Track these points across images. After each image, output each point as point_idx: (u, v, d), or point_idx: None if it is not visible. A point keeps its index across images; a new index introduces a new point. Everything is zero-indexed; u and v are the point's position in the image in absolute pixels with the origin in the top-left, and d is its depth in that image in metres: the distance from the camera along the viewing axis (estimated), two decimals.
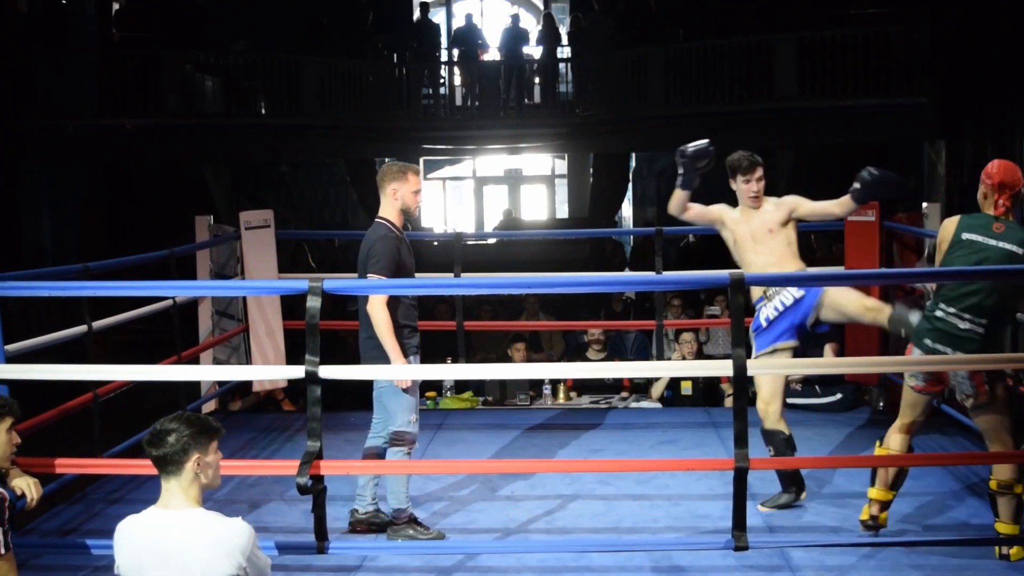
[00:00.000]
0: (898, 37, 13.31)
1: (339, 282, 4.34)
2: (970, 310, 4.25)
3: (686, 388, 7.43)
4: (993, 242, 4.27)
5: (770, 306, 5.07)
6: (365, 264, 4.67)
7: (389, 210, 4.79)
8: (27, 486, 3.64)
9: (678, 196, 5.10)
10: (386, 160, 19.28)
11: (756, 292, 5.11)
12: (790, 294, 5.05)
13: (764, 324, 5.09)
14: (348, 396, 7.72)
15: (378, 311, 4.54)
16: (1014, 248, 4.23)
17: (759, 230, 5.08)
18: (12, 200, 13.75)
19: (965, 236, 4.32)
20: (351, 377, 4.46)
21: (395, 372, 4.55)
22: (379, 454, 4.88)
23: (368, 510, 4.86)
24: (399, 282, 4.66)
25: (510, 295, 9.96)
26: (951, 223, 4.43)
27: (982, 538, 4.48)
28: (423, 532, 4.72)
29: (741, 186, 5.11)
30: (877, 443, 4.68)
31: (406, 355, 4.64)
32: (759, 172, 5.10)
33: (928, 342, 4.37)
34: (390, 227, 4.75)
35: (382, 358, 4.61)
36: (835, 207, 5.21)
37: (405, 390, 4.66)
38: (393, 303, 4.63)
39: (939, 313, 4.32)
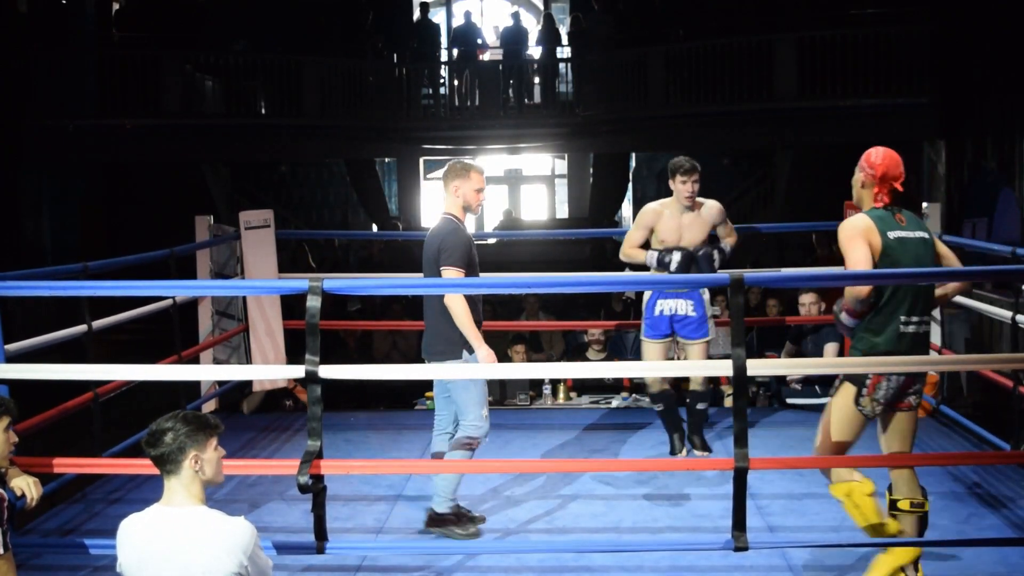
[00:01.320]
0: (898, 37, 13.32)
1: (339, 282, 4.33)
2: (926, 311, 4.10)
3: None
4: (910, 234, 4.02)
5: (671, 304, 5.71)
6: (436, 258, 4.66)
7: (452, 206, 4.80)
8: (27, 486, 3.63)
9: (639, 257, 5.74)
10: (386, 160, 19.34)
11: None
12: (688, 308, 5.70)
13: (655, 314, 5.77)
14: (348, 396, 7.72)
15: (457, 302, 4.56)
16: (926, 234, 4.08)
17: (688, 226, 5.69)
18: (12, 200, 13.76)
19: (892, 235, 4.00)
20: (351, 377, 4.45)
21: (396, 372, 4.55)
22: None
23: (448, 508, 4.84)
24: (399, 281, 4.66)
25: (510, 295, 9.95)
26: (866, 223, 4.01)
27: (982, 538, 4.47)
28: (460, 532, 4.73)
29: (679, 186, 5.67)
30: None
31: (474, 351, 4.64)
32: (696, 176, 5.70)
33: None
34: (457, 221, 4.77)
35: (450, 354, 4.64)
36: (730, 237, 5.92)
37: (477, 381, 4.68)
38: (469, 297, 4.66)
39: (910, 328, 4.06)
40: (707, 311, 5.74)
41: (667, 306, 5.73)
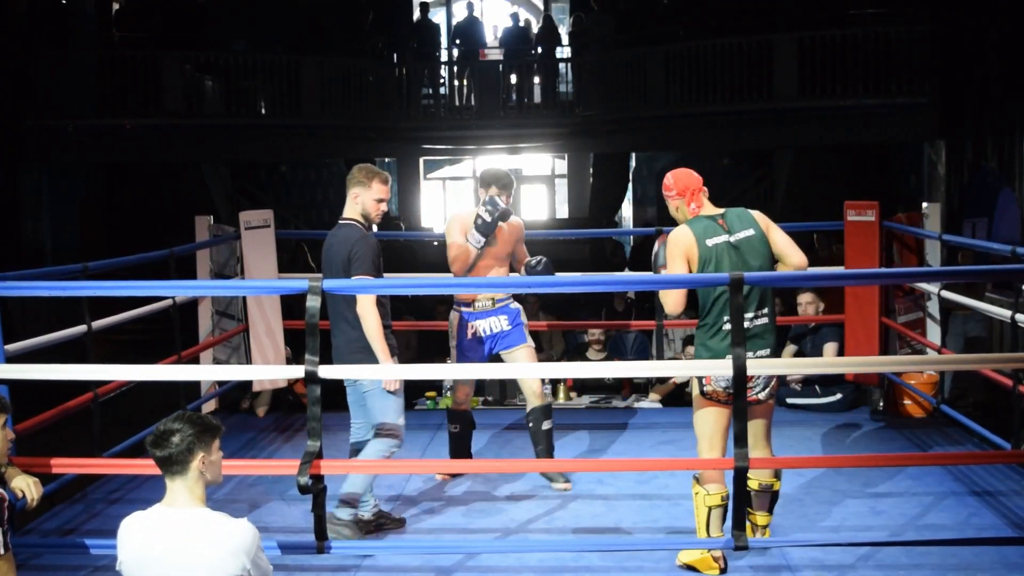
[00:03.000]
0: (898, 37, 13.32)
1: (339, 282, 4.34)
2: (762, 305, 4.18)
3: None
4: (730, 238, 4.16)
5: (481, 324, 5.41)
6: (345, 266, 4.54)
7: (353, 211, 4.70)
8: (27, 486, 3.63)
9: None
10: (386, 160, 19.33)
11: (484, 297, 5.40)
12: (503, 323, 5.44)
13: (468, 336, 5.42)
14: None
15: (370, 312, 4.46)
16: (746, 232, 4.18)
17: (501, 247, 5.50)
18: (12, 200, 13.76)
19: (710, 243, 4.14)
20: (351, 377, 4.46)
21: (396, 372, 4.55)
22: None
23: (372, 512, 4.81)
24: (394, 281, 4.67)
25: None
26: (686, 235, 4.16)
27: (982, 538, 4.47)
28: (355, 532, 4.63)
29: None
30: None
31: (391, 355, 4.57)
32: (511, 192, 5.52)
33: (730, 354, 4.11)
34: (363, 227, 4.67)
35: (368, 360, 4.53)
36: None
37: (393, 392, 4.58)
38: (378, 305, 4.54)
39: (747, 325, 4.10)
40: (523, 319, 5.48)
41: (481, 326, 5.41)
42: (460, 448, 5.68)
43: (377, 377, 4.60)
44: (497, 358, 5.49)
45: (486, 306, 5.42)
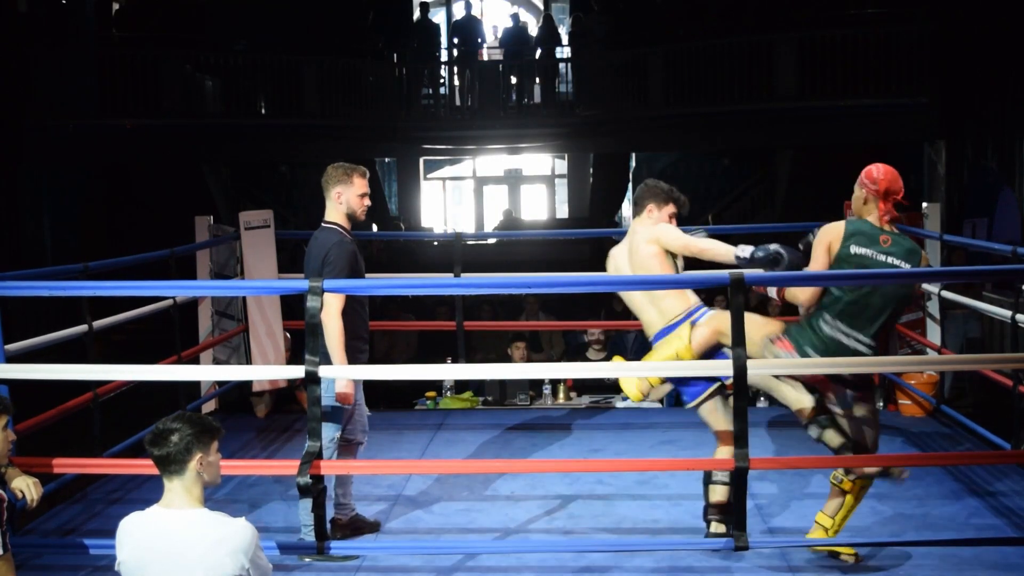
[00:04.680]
0: (898, 37, 13.32)
1: (339, 282, 4.34)
2: (858, 329, 4.07)
3: None
4: (882, 258, 4.04)
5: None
6: (319, 271, 4.42)
7: (335, 214, 4.60)
8: (27, 486, 3.63)
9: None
10: (386, 160, 19.33)
11: (677, 309, 4.54)
12: None
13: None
14: None
15: (334, 320, 4.27)
16: (901, 263, 4.03)
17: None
18: (12, 200, 13.75)
19: (854, 250, 4.03)
20: (351, 377, 4.46)
21: (396, 372, 4.55)
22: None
23: (348, 514, 4.74)
24: (394, 281, 4.65)
25: (510, 295, 9.96)
26: (836, 230, 4.07)
27: (982, 538, 4.47)
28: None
29: (667, 216, 4.72)
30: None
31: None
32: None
33: (809, 351, 4.16)
34: (342, 232, 4.57)
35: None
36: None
37: (334, 409, 4.39)
38: (348, 313, 4.36)
39: (825, 328, 4.11)
40: None
41: None
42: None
43: (377, 378, 4.59)
44: None
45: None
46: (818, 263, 4.08)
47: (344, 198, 4.59)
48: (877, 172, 4.15)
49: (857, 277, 4.00)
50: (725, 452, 4.34)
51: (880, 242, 4.04)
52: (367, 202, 4.63)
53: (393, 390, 8.10)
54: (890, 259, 4.03)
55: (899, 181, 4.14)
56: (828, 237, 4.07)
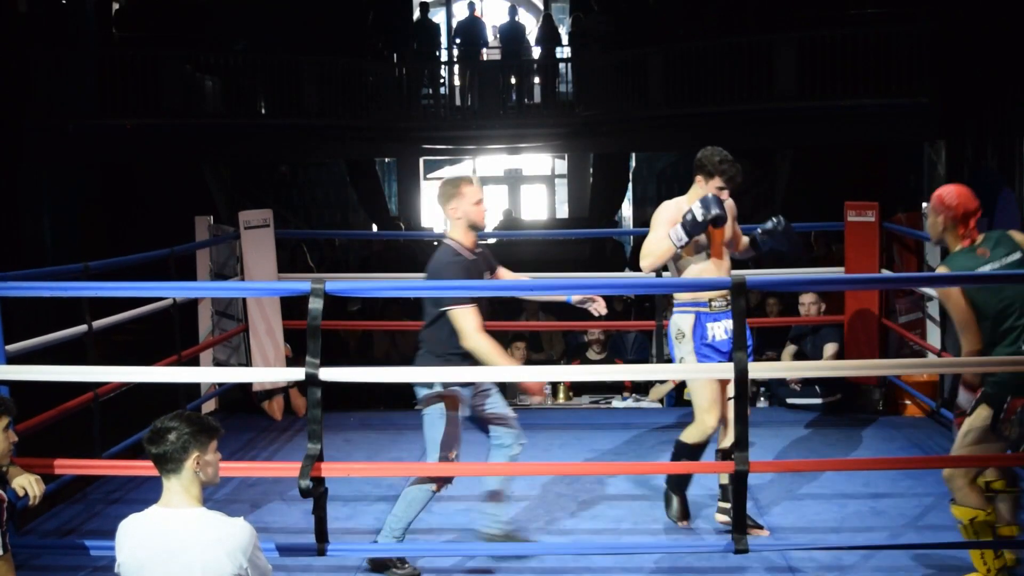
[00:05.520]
0: (898, 37, 13.31)
1: (341, 283, 4.33)
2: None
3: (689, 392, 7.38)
4: (998, 263, 3.91)
5: (719, 327, 4.70)
6: (434, 299, 4.35)
7: (455, 229, 4.45)
8: (28, 484, 3.63)
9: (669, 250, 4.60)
10: (386, 160, 19.33)
11: (686, 295, 4.70)
12: (723, 329, 4.70)
13: (708, 340, 4.71)
14: (348, 396, 7.71)
15: (478, 339, 4.26)
16: (1014, 257, 3.94)
17: (717, 237, 4.73)
18: (12, 200, 13.75)
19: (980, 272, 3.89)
20: (352, 379, 4.45)
21: (396, 374, 4.54)
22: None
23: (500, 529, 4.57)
24: (401, 283, 4.64)
25: (510, 295, 9.93)
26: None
27: (982, 540, 4.47)
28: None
29: (713, 190, 4.63)
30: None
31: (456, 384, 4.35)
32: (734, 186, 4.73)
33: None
34: (457, 249, 4.41)
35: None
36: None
37: (449, 420, 4.39)
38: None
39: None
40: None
41: (719, 328, 4.71)
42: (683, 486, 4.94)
43: (378, 379, 4.57)
44: None
45: (722, 306, 4.67)
46: (964, 311, 3.90)
47: (461, 211, 4.41)
48: (950, 197, 3.96)
49: (853, 282, 3.99)
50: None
51: (980, 257, 3.92)
52: (484, 207, 4.46)
53: (393, 390, 8.09)
54: (1000, 262, 3.90)
55: (974, 200, 3.97)
56: (951, 288, 3.91)
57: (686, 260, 4.69)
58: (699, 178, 4.68)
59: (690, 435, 4.74)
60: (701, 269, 4.69)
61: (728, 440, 4.61)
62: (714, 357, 4.68)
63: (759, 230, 4.84)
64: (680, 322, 4.74)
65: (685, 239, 4.52)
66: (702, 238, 4.62)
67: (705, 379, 4.66)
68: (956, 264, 3.93)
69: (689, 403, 7.35)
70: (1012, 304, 3.88)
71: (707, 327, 4.70)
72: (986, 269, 3.89)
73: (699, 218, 4.47)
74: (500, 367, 4.33)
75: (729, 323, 4.54)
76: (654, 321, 6.98)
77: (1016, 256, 3.94)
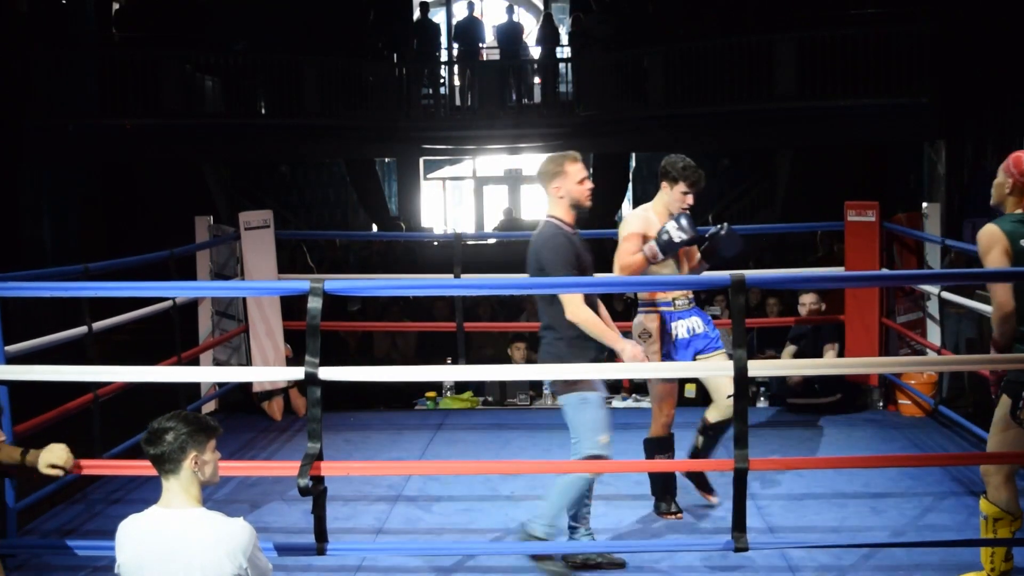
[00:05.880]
0: (898, 37, 13.31)
1: (340, 282, 4.32)
2: None
3: (689, 391, 7.37)
4: None
5: (683, 325, 4.90)
6: (538, 271, 4.29)
7: (556, 208, 4.36)
8: (57, 459, 3.63)
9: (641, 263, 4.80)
10: (386, 160, 19.32)
11: (656, 293, 4.89)
12: (702, 324, 4.91)
13: (675, 336, 4.90)
14: (348, 396, 7.71)
15: (582, 312, 4.19)
16: None
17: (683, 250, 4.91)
18: (12, 200, 13.76)
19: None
20: (351, 378, 4.45)
21: (396, 373, 4.54)
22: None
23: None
24: (400, 282, 4.64)
25: (510, 295, 9.95)
26: (997, 233, 3.83)
27: (982, 538, 4.47)
28: (553, 568, 4.30)
29: (678, 195, 4.83)
30: None
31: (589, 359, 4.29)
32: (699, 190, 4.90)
33: None
34: (560, 226, 4.34)
35: (567, 359, 4.28)
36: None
37: (591, 404, 4.32)
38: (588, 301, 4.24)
39: None
40: (712, 325, 5.06)
41: (682, 327, 4.92)
42: (668, 482, 5.03)
43: (378, 378, 4.57)
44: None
45: (685, 305, 4.91)
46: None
47: (564, 190, 4.34)
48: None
49: (852, 280, 3.98)
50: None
51: None
52: (588, 185, 4.37)
53: (393, 390, 8.10)
54: None
55: None
56: (995, 241, 3.82)
57: (655, 268, 4.86)
58: (664, 184, 4.91)
59: (652, 430, 5.02)
60: (669, 273, 4.89)
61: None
62: (676, 354, 4.88)
63: (706, 234, 4.92)
64: (646, 322, 4.94)
65: (661, 257, 4.73)
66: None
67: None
68: (1006, 225, 3.85)
69: (689, 401, 7.35)
70: None
71: (672, 326, 4.91)
72: None
73: (675, 239, 4.68)
74: (611, 339, 4.30)
75: (691, 321, 4.90)
76: None
77: None
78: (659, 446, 5.00)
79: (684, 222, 4.69)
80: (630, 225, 4.90)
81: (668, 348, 4.90)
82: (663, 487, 4.99)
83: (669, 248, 4.70)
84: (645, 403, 7.60)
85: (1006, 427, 3.90)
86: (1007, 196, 3.94)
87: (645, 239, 4.81)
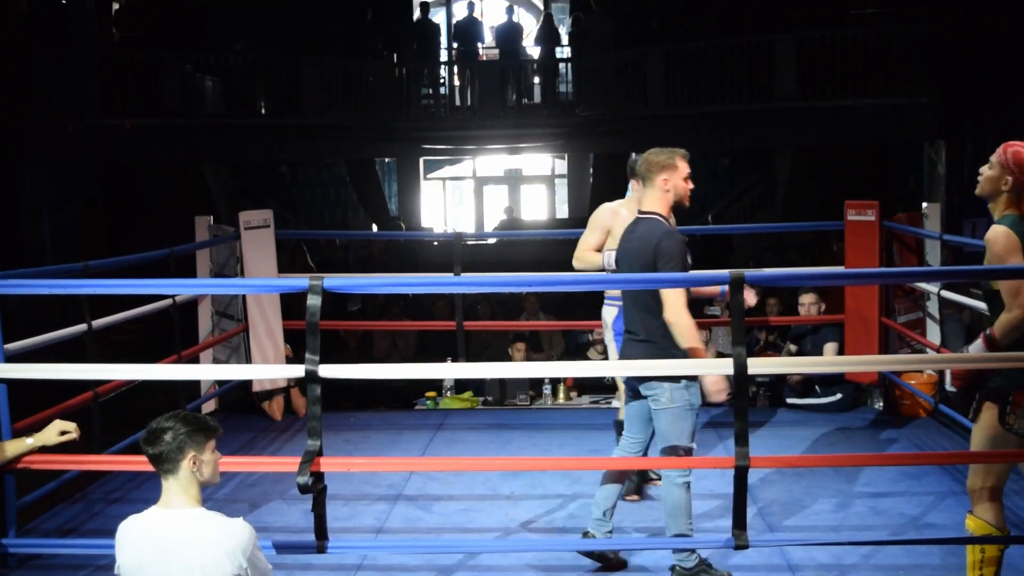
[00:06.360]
0: (898, 37, 13.33)
1: (339, 280, 4.32)
2: None
3: None
4: None
5: None
6: (652, 264, 4.11)
7: (660, 203, 4.21)
8: (59, 434, 3.70)
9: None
10: (386, 160, 19.32)
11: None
12: None
13: None
14: (348, 396, 7.72)
15: (683, 317, 4.02)
16: None
17: None
18: (12, 200, 13.76)
19: None
20: (351, 377, 4.45)
21: (396, 372, 4.54)
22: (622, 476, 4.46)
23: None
24: (399, 280, 4.63)
25: (510, 295, 9.95)
26: (1012, 238, 3.64)
27: (981, 537, 4.47)
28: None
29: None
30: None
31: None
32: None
33: None
34: (666, 222, 4.22)
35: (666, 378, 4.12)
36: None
37: (695, 410, 4.16)
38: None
39: None
40: None
41: None
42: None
43: (378, 377, 4.56)
44: None
45: None
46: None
47: (671, 184, 4.20)
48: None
49: (850, 277, 3.97)
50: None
51: None
52: (690, 185, 4.26)
53: (393, 390, 8.10)
54: None
55: None
56: (1012, 244, 3.63)
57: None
58: (633, 182, 5.16)
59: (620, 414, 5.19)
60: None
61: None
62: None
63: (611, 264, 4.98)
64: (605, 314, 5.30)
65: (612, 268, 4.87)
66: None
67: (613, 353, 5.14)
68: (1014, 226, 3.65)
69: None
70: None
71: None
72: None
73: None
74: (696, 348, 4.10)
75: None
76: None
77: None
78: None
79: None
80: (597, 218, 5.24)
81: (619, 339, 5.02)
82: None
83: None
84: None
85: (994, 434, 3.84)
86: (1002, 192, 3.72)
87: (609, 233, 5.12)
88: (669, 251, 4.07)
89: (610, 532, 4.41)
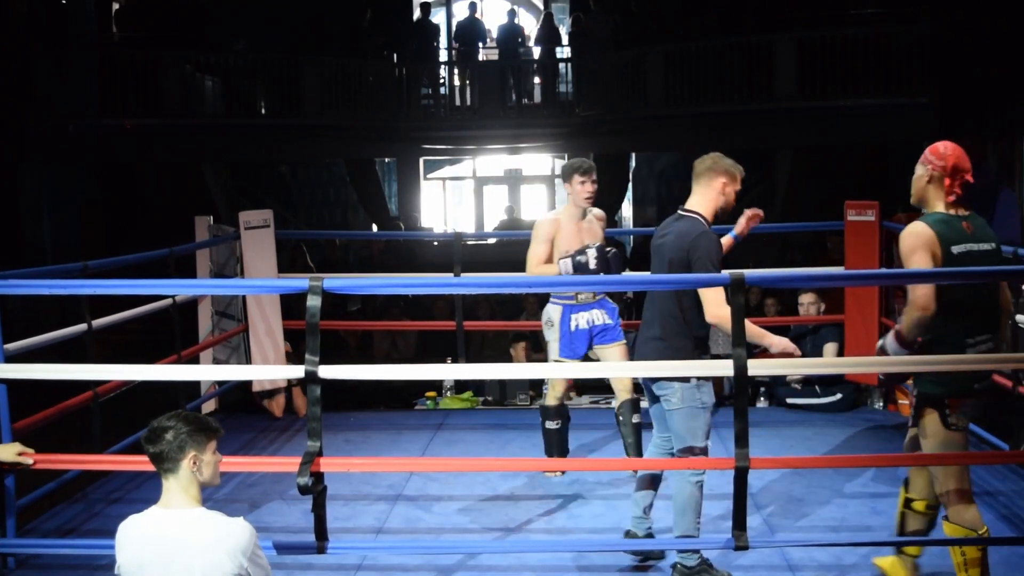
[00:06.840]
0: (898, 37, 13.32)
1: (339, 281, 4.32)
2: (989, 327, 3.86)
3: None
4: (977, 246, 3.73)
5: (583, 317, 5.43)
6: (685, 261, 4.09)
7: (708, 206, 4.22)
8: (15, 453, 3.69)
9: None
10: (386, 160, 19.31)
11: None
12: (604, 317, 5.45)
13: (571, 329, 5.43)
14: (348, 396, 7.72)
15: (724, 310, 3.99)
16: (992, 246, 3.80)
17: (587, 230, 5.43)
18: (12, 200, 13.75)
19: (956, 250, 3.70)
20: (351, 377, 4.45)
21: (396, 372, 4.54)
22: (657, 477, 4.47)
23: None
24: (399, 281, 4.64)
25: (510, 295, 9.94)
26: (928, 234, 3.71)
27: (981, 538, 4.46)
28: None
29: (577, 187, 5.38)
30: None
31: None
32: (594, 176, 5.41)
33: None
34: (705, 222, 4.19)
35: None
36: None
37: (708, 408, 4.18)
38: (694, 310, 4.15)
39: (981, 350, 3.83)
40: (618, 319, 5.49)
41: (583, 319, 5.41)
42: (560, 443, 5.66)
43: (378, 377, 4.57)
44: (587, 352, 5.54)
45: (588, 299, 5.42)
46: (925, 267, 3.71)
47: (728, 190, 4.23)
48: (944, 148, 3.77)
49: (850, 278, 3.97)
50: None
51: (964, 230, 3.72)
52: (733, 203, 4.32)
53: (393, 390, 8.10)
54: (982, 245, 3.74)
55: (967, 161, 3.75)
56: (923, 242, 3.70)
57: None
58: (566, 185, 5.46)
59: (548, 399, 5.67)
60: None
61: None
62: (573, 343, 5.42)
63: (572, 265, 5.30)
64: (550, 312, 5.49)
65: (571, 273, 5.25)
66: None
67: (555, 350, 5.46)
68: (939, 226, 3.71)
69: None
70: (966, 300, 3.79)
71: (571, 318, 5.42)
72: (969, 248, 3.73)
73: (591, 266, 5.23)
74: (760, 336, 4.11)
75: (591, 314, 5.41)
76: None
77: (990, 246, 3.80)
78: (555, 413, 5.64)
79: (611, 258, 5.27)
80: (540, 231, 5.43)
81: (566, 337, 5.42)
82: (559, 450, 5.64)
83: (580, 271, 5.24)
84: (644, 403, 7.60)
85: (943, 438, 3.88)
86: (927, 187, 3.80)
87: (552, 244, 5.37)
88: (706, 250, 4.07)
89: (650, 530, 4.46)
